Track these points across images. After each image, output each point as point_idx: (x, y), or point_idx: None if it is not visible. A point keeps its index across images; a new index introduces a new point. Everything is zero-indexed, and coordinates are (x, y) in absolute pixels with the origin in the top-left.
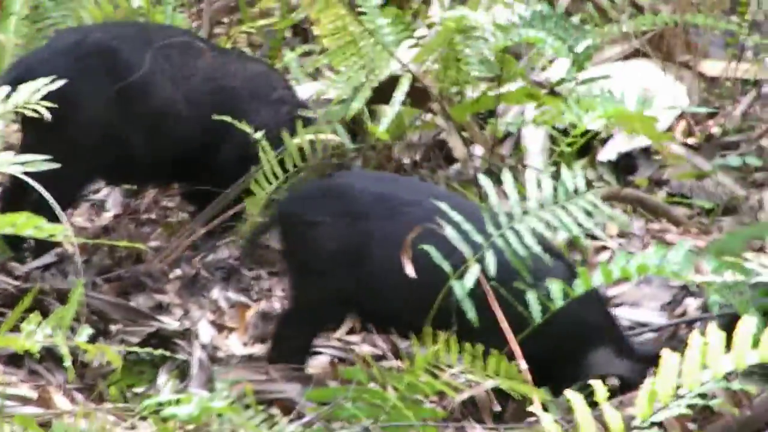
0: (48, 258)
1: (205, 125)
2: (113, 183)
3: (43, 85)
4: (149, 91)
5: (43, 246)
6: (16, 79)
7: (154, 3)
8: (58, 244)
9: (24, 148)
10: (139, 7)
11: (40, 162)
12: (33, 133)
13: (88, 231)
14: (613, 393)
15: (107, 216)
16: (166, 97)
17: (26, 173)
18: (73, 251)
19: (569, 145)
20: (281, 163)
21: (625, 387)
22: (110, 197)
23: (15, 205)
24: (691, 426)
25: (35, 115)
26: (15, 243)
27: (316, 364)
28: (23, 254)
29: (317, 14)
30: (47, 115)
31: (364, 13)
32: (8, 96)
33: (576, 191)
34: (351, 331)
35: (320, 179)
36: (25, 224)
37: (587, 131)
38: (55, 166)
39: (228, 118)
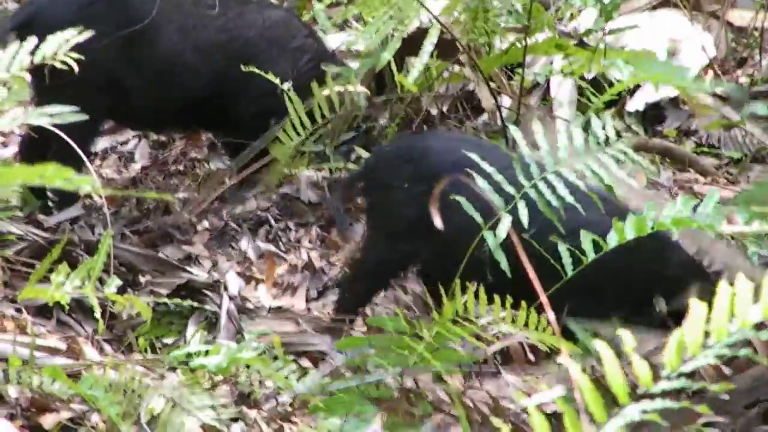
0: (75, 210)
1: (218, 76)
2: (127, 126)
3: (71, 36)
4: (155, 39)
5: (67, 198)
6: (23, 23)
7: None
8: (83, 197)
9: (37, 95)
10: None
11: (69, 114)
12: (41, 80)
13: (117, 182)
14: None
15: (135, 168)
16: (173, 46)
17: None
18: (102, 203)
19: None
20: (309, 113)
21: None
22: (138, 149)
23: (34, 157)
24: (727, 371)
25: (64, 67)
26: (40, 195)
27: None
28: (49, 206)
29: None
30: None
31: None
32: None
33: (607, 140)
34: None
35: (403, 140)
36: (54, 175)
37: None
38: (84, 117)
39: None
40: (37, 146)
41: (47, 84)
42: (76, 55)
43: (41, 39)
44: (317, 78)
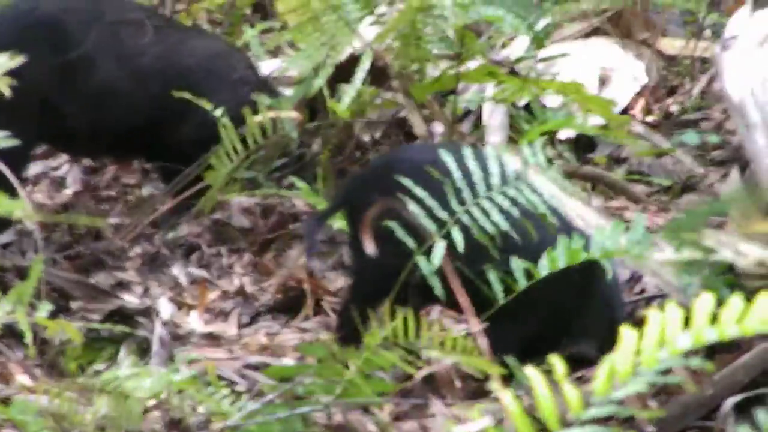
0: (7, 236)
1: (155, 104)
2: (62, 152)
3: (5, 61)
4: (91, 65)
5: (1, 223)
6: None
7: None
8: (15, 222)
9: None
10: None
11: (4, 139)
12: None
13: (48, 207)
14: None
15: (67, 193)
16: (108, 74)
17: None
18: (33, 228)
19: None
20: (242, 140)
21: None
22: (70, 174)
23: None
24: (651, 403)
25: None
26: None
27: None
28: None
29: None
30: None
31: None
32: None
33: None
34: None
35: (377, 159)
36: None
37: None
38: (16, 142)
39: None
40: None
41: None
42: (9, 80)
43: None
44: (254, 107)
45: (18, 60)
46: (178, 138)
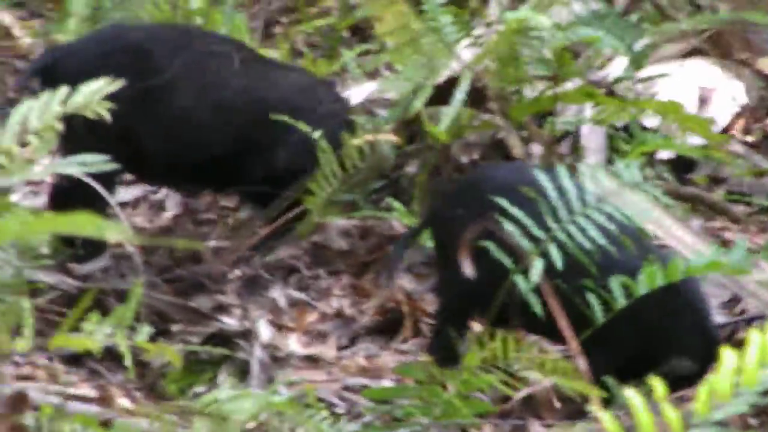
0: (105, 260)
1: (237, 136)
2: (143, 181)
3: (104, 85)
4: (172, 95)
5: (95, 248)
6: (44, 68)
7: (213, 3)
8: (114, 245)
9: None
10: (198, 7)
11: (101, 163)
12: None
13: (148, 231)
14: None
15: (167, 216)
16: (189, 104)
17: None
18: (133, 251)
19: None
20: (339, 163)
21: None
22: (169, 197)
23: (64, 206)
24: (752, 422)
25: (95, 117)
26: (70, 244)
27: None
28: (79, 255)
29: (379, 11)
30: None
31: (424, 11)
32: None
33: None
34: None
35: (461, 176)
36: (85, 224)
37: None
38: (114, 166)
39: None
40: (67, 195)
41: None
42: (107, 105)
43: (60, 86)
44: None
45: (116, 85)
46: (258, 169)
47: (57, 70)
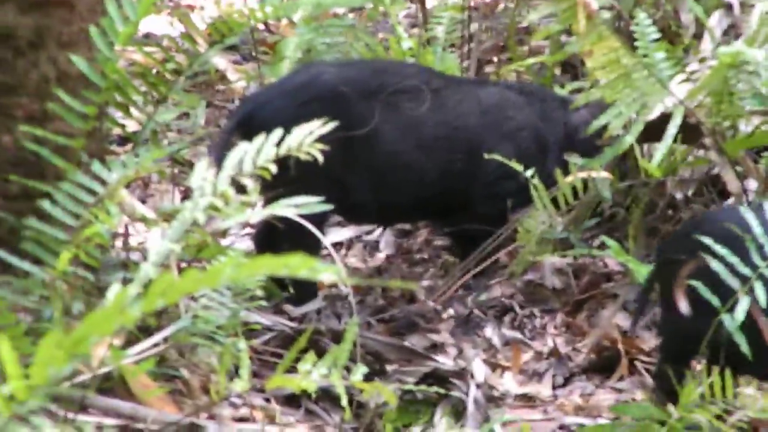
0: (320, 301)
1: (443, 170)
2: (351, 222)
3: (315, 127)
4: (374, 139)
5: (306, 290)
6: (242, 119)
7: (424, 44)
8: (327, 286)
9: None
10: (409, 48)
11: (315, 204)
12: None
13: (362, 271)
14: None
15: (380, 256)
16: (393, 146)
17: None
18: (347, 292)
19: None
20: (553, 200)
21: None
22: (383, 238)
23: (269, 248)
24: None
25: (309, 158)
26: (282, 286)
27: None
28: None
29: (590, 46)
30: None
31: (636, 47)
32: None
33: None
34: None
35: (686, 221)
36: (299, 265)
37: None
38: (329, 207)
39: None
40: (276, 238)
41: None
42: (320, 146)
43: (258, 136)
44: (540, 149)
45: (328, 127)
46: (470, 200)
47: (253, 121)
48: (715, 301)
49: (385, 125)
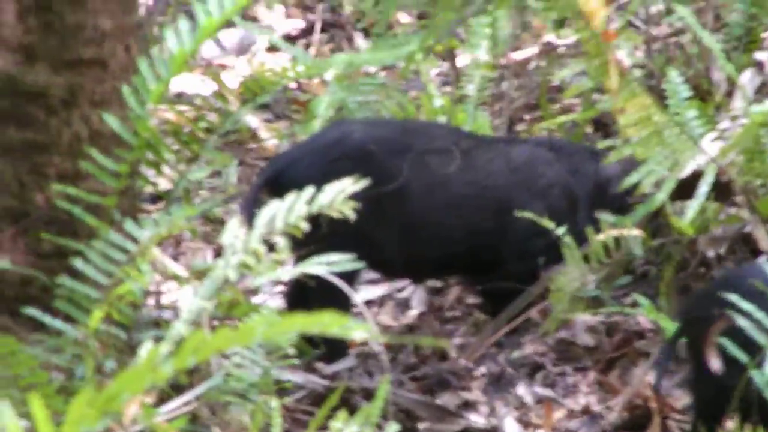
0: (351, 359)
1: (472, 229)
2: (384, 276)
3: (347, 185)
4: (403, 198)
5: (337, 348)
6: (270, 178)
7: (456, 102)
8: (359, 344)
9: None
10: (441, 106)
11: (348, 262)
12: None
13: (394, 329)
14: None
15: (412, 314)
16: (422, 204)
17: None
18: (379, 349)
19: None
20: (584, 257)
21: None
22: (415, 295)
23: (299, 306)
24: None
25: (339, 216)
26: (314, 344)
27: None
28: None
29: (622, 103)
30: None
31: (668, 105)
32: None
33: None
34: None
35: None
36: (332, 323)
37: None
38: (360, 265)
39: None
40: (308, 295)
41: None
42: (352, 204)
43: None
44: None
45: (361, 185)
46: (501, 258)
47: (282, 180)
48: (742, 357)
49: (413, 184)
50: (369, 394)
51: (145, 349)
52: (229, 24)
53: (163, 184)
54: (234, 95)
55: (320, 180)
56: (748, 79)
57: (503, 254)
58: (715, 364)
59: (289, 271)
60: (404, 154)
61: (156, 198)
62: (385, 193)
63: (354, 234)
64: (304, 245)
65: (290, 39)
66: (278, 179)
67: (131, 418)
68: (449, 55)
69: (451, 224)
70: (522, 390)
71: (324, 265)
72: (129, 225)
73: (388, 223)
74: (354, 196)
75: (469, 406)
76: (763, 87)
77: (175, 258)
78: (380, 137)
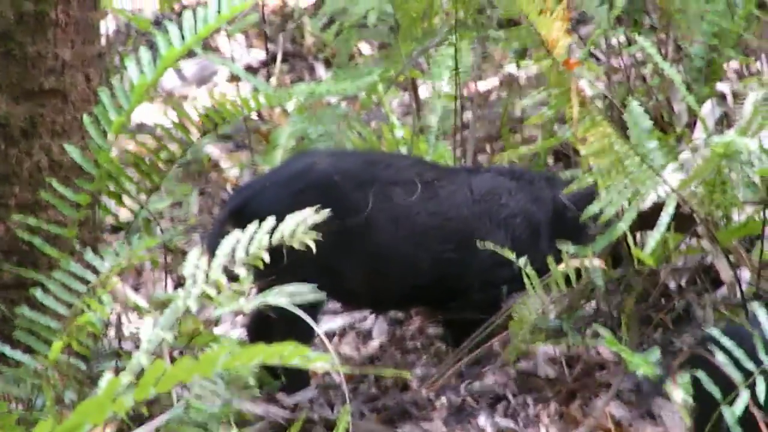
0: (312, 390)
1: (436, 260)
2: (346, 307)
3: (308, 216)
4: (366, 231)
5: (298, 379)
6: (235, 209)
7: (417, 132)
8: (320, 375)
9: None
10: (402, 137)
11: (306, 293)
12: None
13: (355, 360)
14: None
15: (373, 345)
16: (386, 235)
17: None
18: (340, 380)
19: None
20: (545, 287)
21: None
22: (376, 326)
23: (261, 337)
24: None
25: (301, 247)
26: (275, 375)
27: None
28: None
29: (583, 132)
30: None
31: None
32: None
33: None
34: None
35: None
36: (292, 354)
37: None
38: (322, 295)
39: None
40: (264, 326)
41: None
42: (313, 235)
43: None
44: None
45: (323, 214)
46: (463, 288)
47: (247, 211)
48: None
49: (379, 214)
50: (330, 425)
51: (106, 379)
52: (190, 54)
53: (124, 215)
54: (195, 126)
55: (285, 211)
56: (708, 110)
57: (467, 284)
58: (678, 396)
59: (250, 302)
60: (369, 185)
61: (116, 228)
62: (349, 224)
63: (317, 264)
64: (267, 276)
65: (252, 69)
66: (243, 210)
67: None
68: (411, 86)
69: (415, 255)
70: (483, 421)
71: (285, 296)
72: (89, 255)
73: (353, 254)
74: (318, 227)
75: None
76: (724, 118)
77: (136, 288)
78: (345, 169)
